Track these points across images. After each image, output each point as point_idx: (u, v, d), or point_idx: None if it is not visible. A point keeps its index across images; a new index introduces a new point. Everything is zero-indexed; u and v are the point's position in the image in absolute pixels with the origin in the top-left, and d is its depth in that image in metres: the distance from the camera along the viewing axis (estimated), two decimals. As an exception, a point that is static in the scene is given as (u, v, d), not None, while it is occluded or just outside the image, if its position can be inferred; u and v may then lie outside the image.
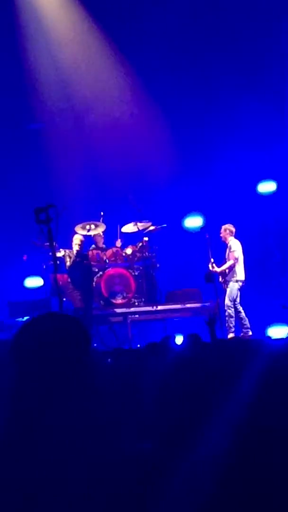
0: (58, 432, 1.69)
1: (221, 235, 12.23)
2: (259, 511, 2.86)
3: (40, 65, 13.77)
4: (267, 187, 14.31)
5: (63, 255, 11.88)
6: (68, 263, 11.90)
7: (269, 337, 10.15)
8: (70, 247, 12.13)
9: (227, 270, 11.98)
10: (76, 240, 12.05)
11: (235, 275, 11.90)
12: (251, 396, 3.28)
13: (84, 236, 12.25)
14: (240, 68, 13.80)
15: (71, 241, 12.08)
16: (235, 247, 12.03)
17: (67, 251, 11.96)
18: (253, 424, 3.12)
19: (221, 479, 2.60)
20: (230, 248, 12.05)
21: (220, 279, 12.05)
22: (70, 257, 11.91)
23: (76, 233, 12.16)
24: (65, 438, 1.68)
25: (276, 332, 11.08)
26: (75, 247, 11.99)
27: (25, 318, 11.24)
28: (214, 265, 11.99)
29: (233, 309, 11.71)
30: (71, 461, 1.66)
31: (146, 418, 2.66)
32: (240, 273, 11.93)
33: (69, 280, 11.89)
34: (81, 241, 12.08)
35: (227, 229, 12.21)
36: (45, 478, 1.63)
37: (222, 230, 12.23)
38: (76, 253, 11.92)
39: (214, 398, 3.20)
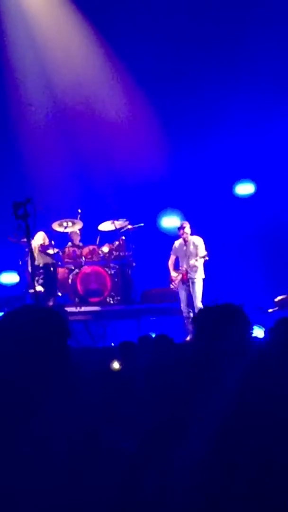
0: (37, 430, 1.62)
1: (183, 236, 11.69)
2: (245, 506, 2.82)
3: (22, 58, 13.62)
4: (245, 188, 14.34)
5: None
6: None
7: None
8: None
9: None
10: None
11: (201, 272, 11.52)
12: (234, 396, 3.23)
13: (61, 233, 12.12)
14: (228, 69, 13.75)
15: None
16: (198, 242, 11.59)
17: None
18: (234, 424, 3.07)
19: (204, 480, 2.54)
20: (194, 244, 11.55)
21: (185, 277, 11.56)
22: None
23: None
24: (45, 436, 1.62)
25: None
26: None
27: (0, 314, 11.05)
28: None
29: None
30: (50, 459, 1.59)
31: (125, 416, 2.59)
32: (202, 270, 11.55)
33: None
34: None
35: (185, 227, 11.69)
36: (24, 478, 1.56)
37: (183, 229, 11.70)
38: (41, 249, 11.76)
39: (193, 399, 3.15)
